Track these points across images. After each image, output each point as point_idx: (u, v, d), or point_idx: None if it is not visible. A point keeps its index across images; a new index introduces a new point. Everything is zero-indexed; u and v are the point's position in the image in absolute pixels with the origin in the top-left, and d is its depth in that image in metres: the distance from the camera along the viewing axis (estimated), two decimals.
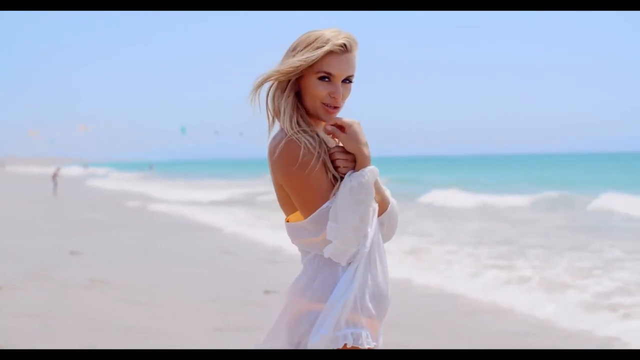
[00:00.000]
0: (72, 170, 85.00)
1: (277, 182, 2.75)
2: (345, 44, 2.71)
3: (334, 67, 2.70)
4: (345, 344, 2.62)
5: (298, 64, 2.68)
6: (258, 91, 2.76)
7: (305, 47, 2.71)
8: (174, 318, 7.72)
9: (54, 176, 38.16)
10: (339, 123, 2.73)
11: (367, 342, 2.66)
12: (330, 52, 2.69)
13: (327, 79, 2.71)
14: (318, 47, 2.68)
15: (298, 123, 2.71)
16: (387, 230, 2.84)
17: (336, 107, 2.74)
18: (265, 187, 38.82)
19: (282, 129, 2.72)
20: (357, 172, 2.69)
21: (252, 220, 20.48)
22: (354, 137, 2.71)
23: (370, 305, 2.69)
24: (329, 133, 2.75)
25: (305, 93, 2.74)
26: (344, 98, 2.76)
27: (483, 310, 8.87)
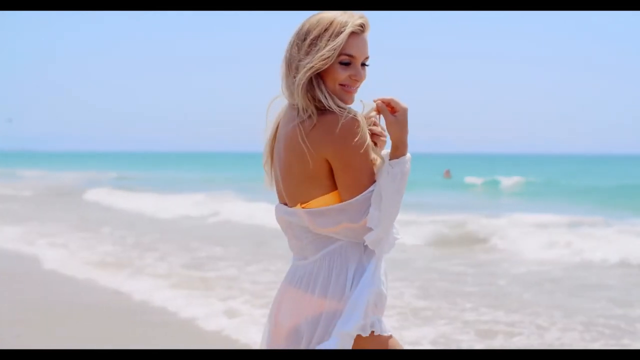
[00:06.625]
0: None
1: (318, 161, 2.63)
2: (363, 24, 2.67)
3: (355, 49, 2.65)
4: (373, 332, 2.63)
5: (328, 54, 2.61)
6: (306, 91, 2.64)
7: (322, 33, 2.63)
8: None
9: None
10: (392, 103, 2.68)
11: (387, 331, 2.68)
12: (351, 34, 2.64)
13: (348, 63, 2.66)
14: (340, 32, 2.62)
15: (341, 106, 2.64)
16: None
17: (356, 86, 2.70)
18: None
19: (310, 112, 2.63)
20: (398, 160, 2.63)
21: None
22: (403, 123, 2.66)
23: (376, 303, 2.69)
24: (377, 109, 2.71)
25: (326, 77, 2.66)
26: (361, 81, 2.71)
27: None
